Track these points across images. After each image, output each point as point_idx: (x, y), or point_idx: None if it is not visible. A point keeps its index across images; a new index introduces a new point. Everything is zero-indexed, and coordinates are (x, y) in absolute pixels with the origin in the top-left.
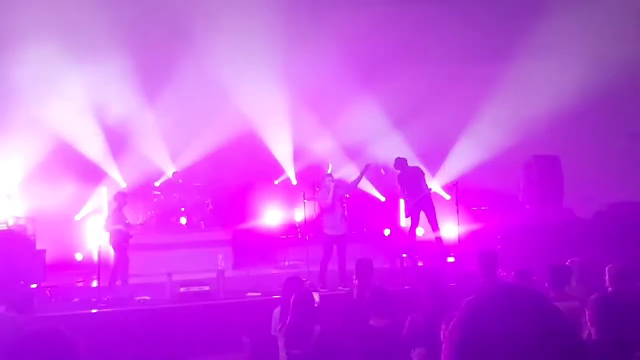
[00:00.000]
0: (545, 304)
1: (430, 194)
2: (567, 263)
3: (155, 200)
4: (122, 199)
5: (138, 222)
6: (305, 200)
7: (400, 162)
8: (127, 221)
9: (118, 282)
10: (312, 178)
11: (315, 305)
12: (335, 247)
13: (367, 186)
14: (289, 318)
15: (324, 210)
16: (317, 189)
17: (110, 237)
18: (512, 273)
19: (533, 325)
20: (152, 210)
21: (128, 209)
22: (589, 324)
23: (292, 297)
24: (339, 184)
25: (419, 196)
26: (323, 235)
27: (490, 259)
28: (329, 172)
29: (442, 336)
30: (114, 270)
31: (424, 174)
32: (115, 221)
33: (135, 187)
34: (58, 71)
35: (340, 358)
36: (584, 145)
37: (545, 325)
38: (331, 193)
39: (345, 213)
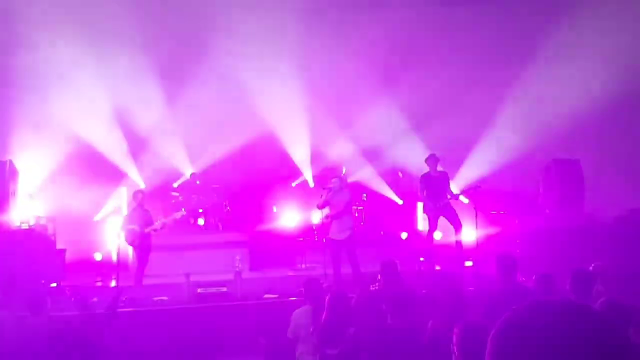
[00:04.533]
0: (600, 318)
1: (450, 201)
2: (590, 268)
3: (173, 201)
4: (140, 198)
5: (162, 221)
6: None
7: (432, 161)
8: (158, 221)
9: (130, 283)
10: (329, 180)
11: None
12: (343, 250)
13: (384, 189)
14: (324, 318)
15: (337, 214)
16: (329, 188)
17: (125, 236)
18: (533, 277)
19: (591, 343)
20: (182, 209)
21: (151, 207)
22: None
23: (327, 298)
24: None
25: (440, 202)
26: (329, 241)
27: (508, 262)
28: (343, 173)
29: (454, 341)
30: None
31: (449, 180)
32: (130, 221)
33: (154, 187)
34: (78, 71)
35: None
36: (605, 149)
37: (602, 341)
38: (347, 199)
39: (353, 217)
